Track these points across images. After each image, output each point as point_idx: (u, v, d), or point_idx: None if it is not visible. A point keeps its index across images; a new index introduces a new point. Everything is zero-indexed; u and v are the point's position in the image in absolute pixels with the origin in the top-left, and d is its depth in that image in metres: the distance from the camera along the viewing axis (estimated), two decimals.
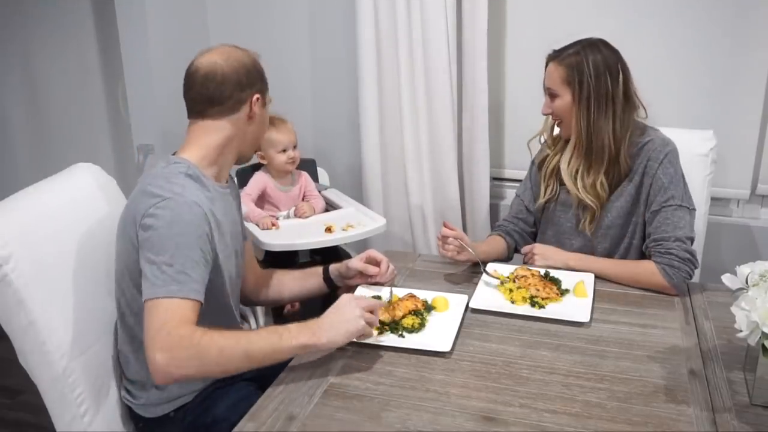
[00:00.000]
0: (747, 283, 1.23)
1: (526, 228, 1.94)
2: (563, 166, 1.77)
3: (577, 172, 1.76)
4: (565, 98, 1.71)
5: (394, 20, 2.38)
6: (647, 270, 1.66)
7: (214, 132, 1.44)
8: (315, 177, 2.45)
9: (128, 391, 1.50)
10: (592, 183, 1.74)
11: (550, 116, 1.79)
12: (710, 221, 2.08)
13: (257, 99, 1.46)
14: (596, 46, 1.70)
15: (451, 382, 1.30)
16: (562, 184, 1.82)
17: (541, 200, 1.86)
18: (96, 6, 2.84)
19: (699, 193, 1.98)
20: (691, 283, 1.70)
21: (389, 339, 1.43)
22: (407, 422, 1.18)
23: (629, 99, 1.72)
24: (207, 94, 1.42)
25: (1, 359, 1.79)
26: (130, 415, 1.53)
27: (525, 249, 1.84)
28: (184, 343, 1.22)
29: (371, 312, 1.37)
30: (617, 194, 1.76)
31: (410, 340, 1.42)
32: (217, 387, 1.50)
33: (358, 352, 1.40)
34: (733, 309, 1.19)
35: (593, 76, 1.67)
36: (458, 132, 2.50)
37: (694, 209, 1.71)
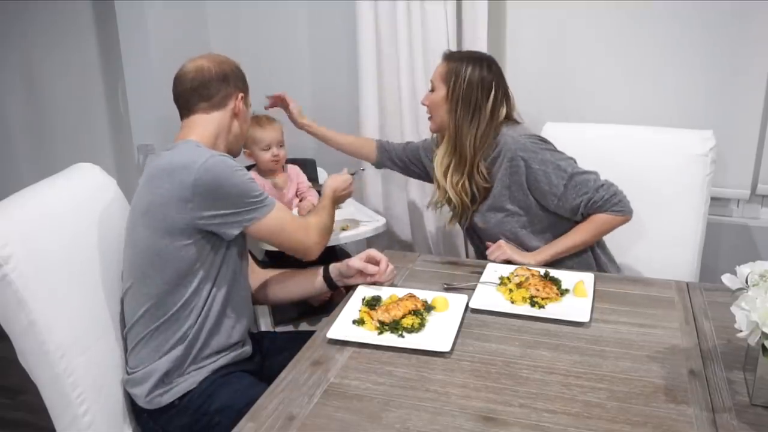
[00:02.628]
0: (747, 283, 1.23)
1: (400, 161, 2.15)
2: (436, 160, 1.92)
3: (447, 168, 1.89)
4: (439, 93, 1.87)
5: (394, 20, 2.38)
6: (603, 220, 1.80)
7: (206, 124, 1.58)
8: (315, 177, 2.45)
9: (132, 385, 1.51)
10: (457, 182, 1.87)
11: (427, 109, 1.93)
12: (710, 221, 2.08)
13: (242, 97, 1.63)
14: (481, 61, 1.86)
15: (451, 382, 1.30)
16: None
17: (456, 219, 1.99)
18: (96, 6, 2.84)
19: (699, 193, 1.98)
20: (690, 283, 1.71)
21: (389, 339, 1.43)
22: (407, 422, 1.18)
23: (493, 119, 1.84)
24: (197, 91, 1.57)
25: (1, 359, 1.79)
26: (132, 409, 1.54)
27: (490, 250, 1.86)
28: (321, 228, 1.67)
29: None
30: (494, 206, 1.88)
31: (410, 340, 1.42)
32: (219, 375, 1.52)
33: (358, 352, 1.40)
34: (733, 309, 1.19)
35: (465, 83, 1.82)
36: None
37: (576, 163, 1.82)
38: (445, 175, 1.90)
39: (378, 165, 2.24)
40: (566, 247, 1.83)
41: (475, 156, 1.85)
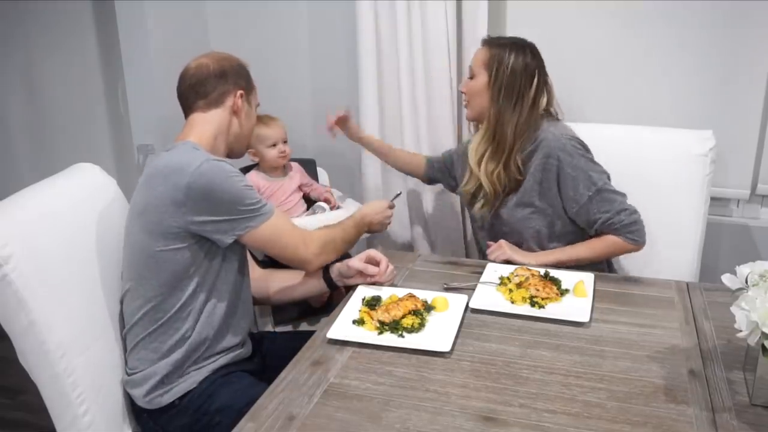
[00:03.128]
0: (747, 283, 1.23)
1: (442, 174, 2.13)
2: (471, 146, 1.88)
3: (482, 156, 1.85)
4: (480, 79, 1.83)
5: (394, 20, 2.38)
6: (613, 243, 1.77)
7: (204, 123, 1.56)
8: (315, 177, 2.45)
9: (132, 385, 1.51)
10: (492, 170, 1.84)
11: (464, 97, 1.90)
12: (710, 221, 2.08)
13: (240, 94, 1.59)
14: (524, 48, 1.82)
15: (451, 382, 1.30)
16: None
17: (466, 187, 1.94)
18: (96, 6, 2.84)
19: (699, 193, 1.98)
20: (690, 283, 1.71)
21: (389, 339, 1.43)
22: (407, 422, 1.18)
23: (535, 107, 1.81)
24: (195, 88, 1.56)
25: (1, 359, 1.79)
26: (132, 409, 1.54)
27: (490, 249, 1.85)
28: (323, 242, 1.61)
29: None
30: (522, 201, 1.84)
31: (410, 340, 1.42)
32: (219, 375, 1.52)
33: (358, 352, 1.40)
34: (733, 309, 1.19)
35: (509, 69, 1.79)
36: (458, 132, 2.50)
37: (610, 179, 1.81)
38: (479, 162, 1.85)
39: (428, 180, 2.23)
40: (570, 257, 1.80)
41: (515, 144, 1.80)
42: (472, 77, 1.86)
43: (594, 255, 1.80)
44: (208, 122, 1.57)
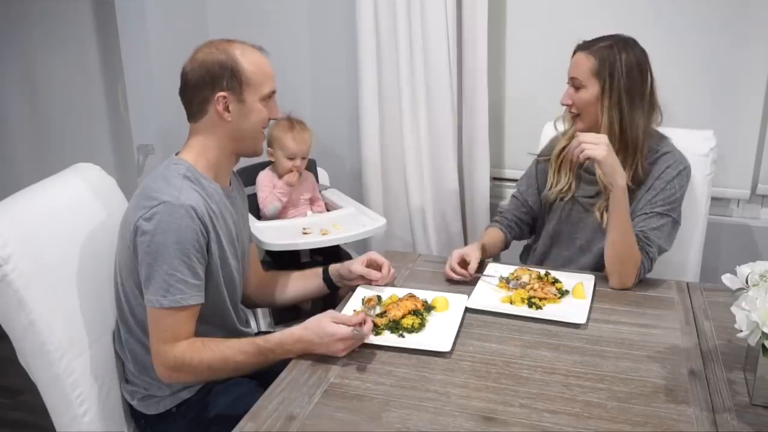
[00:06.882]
0: (747, 283, 1.23)
1: (525, 222, 1.94)
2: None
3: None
4: (591, 90, 1.69)
5: (394, 20, 2.38)
6: (637, 257, 1.65)
7: (201, 134, 1.47)
8: (315, 177, 2.45)
9: (129, 389, 1.51)
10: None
11: (568, 108, 1.76)
12: (710, 221, 2.08)
13: (222, 97, 1.41)
14: (629, 43, 1.70)
15: (451, 382, 1.30)
16: (579, 178, 1.81)
17: (555, 190, 1.83)
18: (96, 6, 2.84)
19: (699, 193, 1.98)
20: (691, 283, 1.71)
21: (389, 339, 1.43)
22: (407, 422, 1.18)
23: (653, 101, 1.73)
24: (181, 96, 1.47)
25: (1, 359, 1.79)
26: (131, 413, 1.53)
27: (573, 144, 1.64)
28: (179, 363, 1.37)
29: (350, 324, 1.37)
30: (635, 200, 1.73)
31: (410, 340, 1.42)
32: (218, 382, 1.50)
33: (358, 353, 1.40)
34: (733, 309, 1.19)
35: (625, 73, 1.66)
36: (458, 132, 2.50)
37: (678, 215, 1.74)
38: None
39: (517, 238, 1.96)
40: (617, 220, 1.64)
41: (644, 145, 1.69)
42: (577, 88, 1.72)
43: (625, 237, 1.64)
44: (203, 132, 1.46)
